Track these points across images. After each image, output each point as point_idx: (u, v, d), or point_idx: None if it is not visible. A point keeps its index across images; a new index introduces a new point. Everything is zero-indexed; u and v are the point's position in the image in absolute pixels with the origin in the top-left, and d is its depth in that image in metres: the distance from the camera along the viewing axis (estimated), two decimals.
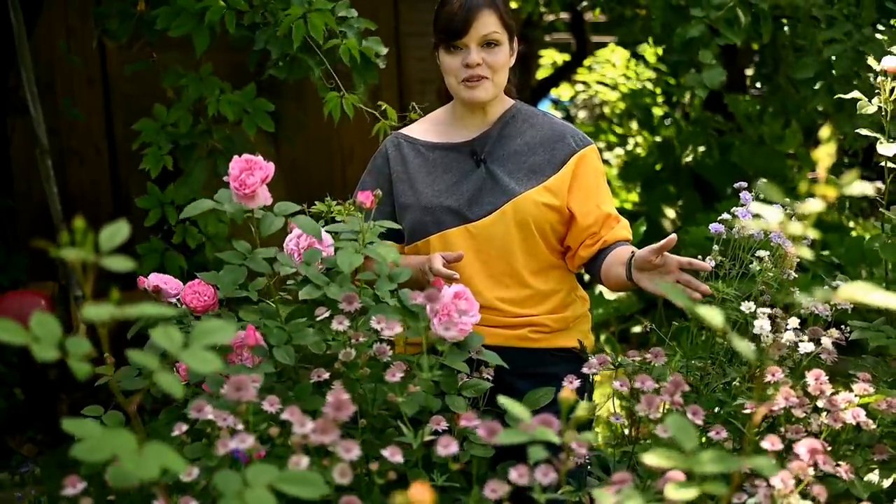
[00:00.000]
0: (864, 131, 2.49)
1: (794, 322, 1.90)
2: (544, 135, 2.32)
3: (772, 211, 1.20)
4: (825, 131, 1.18)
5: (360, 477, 1.64)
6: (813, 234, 2.02)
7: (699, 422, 1.60)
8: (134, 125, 3.13)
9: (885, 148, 2.35)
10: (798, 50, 4.43)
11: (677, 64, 6.59)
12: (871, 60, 2.64)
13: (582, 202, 2.27)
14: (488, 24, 2.23)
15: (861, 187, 1.15)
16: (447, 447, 1.42)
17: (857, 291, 1.14)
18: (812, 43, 3.99)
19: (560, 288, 2.33)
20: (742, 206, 2.14)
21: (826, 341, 1.91)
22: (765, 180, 1.23)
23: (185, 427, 1.64)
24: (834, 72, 3.79)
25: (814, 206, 1.17)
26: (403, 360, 1.77)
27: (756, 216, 2.06)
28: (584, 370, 1.91)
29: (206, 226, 3.18)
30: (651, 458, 1.21)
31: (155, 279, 2.06)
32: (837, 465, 1.67)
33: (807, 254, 1.22)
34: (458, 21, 2.22)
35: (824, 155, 1.16)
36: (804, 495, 1.46)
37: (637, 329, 5.34)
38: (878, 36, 3.78)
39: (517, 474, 1.36)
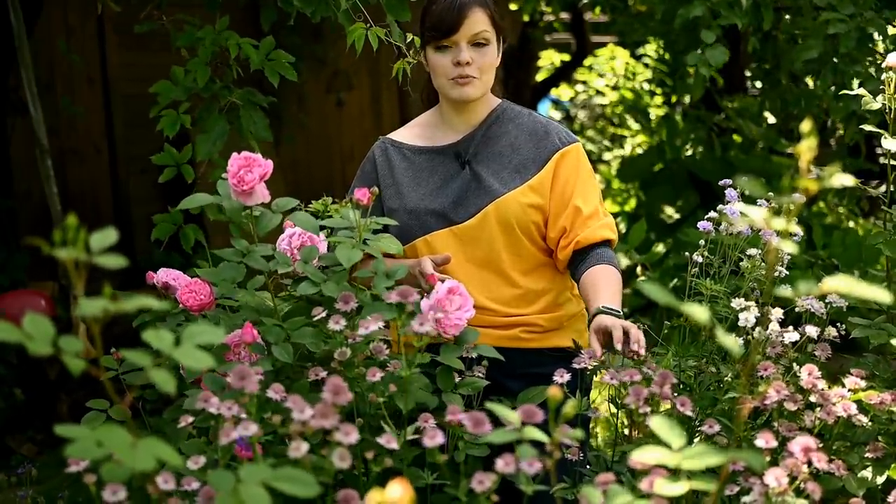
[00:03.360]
0: (868, 127, 2.50)
1: (777, 313, 1.91)
2: (529, 133, 2.31)
3: (755, 208, 1.20)
4: (806, 125, 1.19)
5: (358, 475, 1.65)
6: (796, 228, 2.04)
7: (690, 413, 1.61)
8: (151, 88, 3.07)
9: (889, 142, 2.36)
10: (798, 43, 4.44)
11: (677, 58, 6.60)
12: (876, 52, 2.64)
13: (557, 199, 2.26)
14: (479, 22, 2.23)
15: (842, 179, 1.16)
16: (433, 438, 1.43)
17: (840, 284, 1.14)
18: (814, 29, 4.00)
19: (552, 287, 2.32)
20: (727, 202, 2.15)
21: (811, 330, 1.91)
22: (746, 178, 1.23)
23: (191, 419, 1.65)
24: (840, 49, 3.81)
25: (795, 199, 1.17)
26: (399, 359, 1.78)
27: (743, 213, 2.07)
28: (574, 365, 1.91)
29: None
30: (640, 456, 1.22)
31: (164, 276, 2.07)
32: (831, 460, 1.68)
33: (791, 248, 1.23)
34: (450, 19, 2.21)
35: (805, 149, 1.16)
36: (799, 492, 1.47)
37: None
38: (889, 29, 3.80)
39: (503, 463, 1.37)
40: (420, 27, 2.30)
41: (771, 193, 1.52)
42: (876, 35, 3.78)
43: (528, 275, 2.30)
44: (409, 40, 2.62)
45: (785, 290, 1.22)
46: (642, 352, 1.87)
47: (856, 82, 3.89)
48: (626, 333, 1.90)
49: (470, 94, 2.26)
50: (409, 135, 2.40)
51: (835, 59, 3.94)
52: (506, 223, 2.25)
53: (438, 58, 2.26)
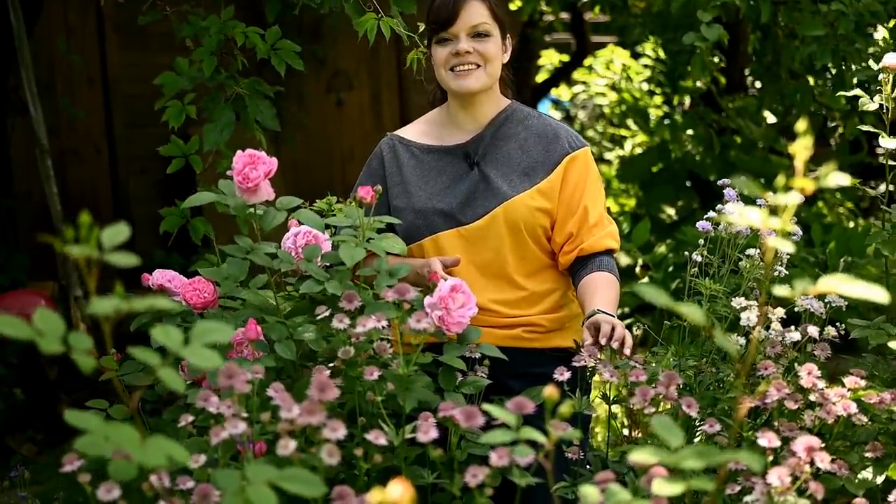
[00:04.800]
0: (865, 127, 2.52)
1: (779, 312, 1.91)
2: (539, 136, 2.31)
3: (753, 208, 1.21)
4: (802, 124, 1.19)
5: (360, 475, 1.66)
6: (794, 228, 2.05)
7: (694, 413, 1.61)
8: (155, 80, 3.06)
9: (887, 141, 2.37)
10: (796, 37, 4.47)
11: (675, 57, 6.62)
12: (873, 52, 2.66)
13: (565, 204, 2.27)
14: (478, 14, 2.24)
15: (838, 179, 1.16)
16: (426, 433, 1.44)
17: (836, 283, 1.15)
18: (815, 16, 4.03)
19: (556, 288, 2.33)
20: (726, 202, 2.16)
21: (812, 330, 1.92)
22: (744, 178, 1.24)
23: (190, 418, 1.65)
24: (839, 30, 3.83)
25: (790, 198, 1.18)
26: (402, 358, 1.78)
27: (741, 213, 2.08)
28: (574, 363, 1.92)
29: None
30: (638, 456, 1.22)
31: (159, 277, 2.07)
32: (833, 460, 1.69)
33: (789, 247, 1.23)
34: (447, 10, 2.23)
35: (801, 148, 1.17)
36: (801, 492, 1.48)
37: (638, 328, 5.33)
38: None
39: (497, 457, 1.37)
40: (425, 22, 2.32)
41: (770, 193, 1.53)
42: (877, 31, 3.80)
43: (532, 277, 2.30)
44: (421, 30, 2.62)
45: (782, 290, 1.22)
46: (627, 350, 1.90)
47: (854, 79, 3.91)
48: (613, 330, 1.93)
49: (470, 86, 2.26)
50: (416, 132, 2.40)
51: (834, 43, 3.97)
52: (514, 226, 2.25)
53: (439, 50, 2.27)
